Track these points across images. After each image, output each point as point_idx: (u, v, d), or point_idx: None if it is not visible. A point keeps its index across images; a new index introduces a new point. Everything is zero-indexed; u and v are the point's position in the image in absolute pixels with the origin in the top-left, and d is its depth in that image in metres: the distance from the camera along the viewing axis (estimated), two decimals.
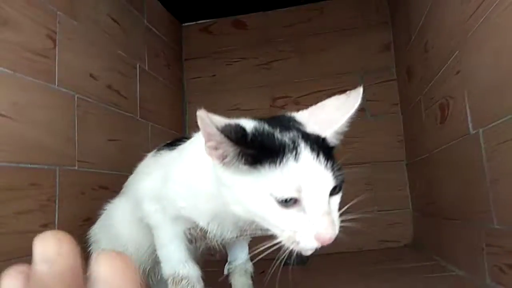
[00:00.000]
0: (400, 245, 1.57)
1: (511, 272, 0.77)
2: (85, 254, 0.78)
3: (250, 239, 0.83)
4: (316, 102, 0.62)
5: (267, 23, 1.82)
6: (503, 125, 0.75)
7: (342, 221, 0.55)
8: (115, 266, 0.24)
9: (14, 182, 0.88)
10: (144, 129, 1.47)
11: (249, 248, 0.82)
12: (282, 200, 0.52)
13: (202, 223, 0.67)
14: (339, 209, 0.56)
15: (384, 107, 1.66)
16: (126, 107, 1.36)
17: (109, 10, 1.31)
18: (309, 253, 0.53)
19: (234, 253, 0.81)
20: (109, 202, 0.91)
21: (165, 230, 0.73)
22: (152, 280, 0.90)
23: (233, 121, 0.53)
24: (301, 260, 1.36)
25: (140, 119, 1.44)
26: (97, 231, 0.90)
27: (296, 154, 0.52)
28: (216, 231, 0.67)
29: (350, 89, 0.60)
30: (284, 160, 0.52)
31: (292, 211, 0.52)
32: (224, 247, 0.79)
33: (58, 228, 0.98)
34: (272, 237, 0.55)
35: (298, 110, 0.63)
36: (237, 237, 0.69)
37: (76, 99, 1.10)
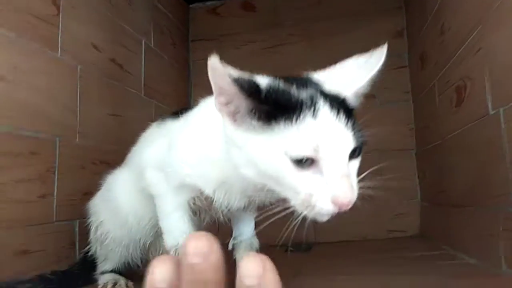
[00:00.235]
0: (406, 235, 1.53)
1: None
2: (85, 227, 0.74)
3: (256, 213, 0.80)
4: None
5: (277, 6, 1.77)
6: None
7: (360, 188, 0.51)
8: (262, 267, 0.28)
9: (14, 148, 0.84)
10: (148, 107, 1.43)
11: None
12: (297, 160, 0.48)
13: (208, 191, 0.63)
14: (358, 175, 0.52)
15: (395, 94, 1.62)
16: (130, 83, 1.32)
17: None
18: (324, 219, 0.49)
19: (239, 228, 0.78)
20: (110, 173, 0.87)
21: (168, 199, 0.69)
22: (152, 255, 0.87)
23: (247, 74, 0.49)
24: (305, 247, 1.34)
25: (144, 96, 1.41)
26: (97, 202, 0.86)
27: (314, 111, 0.49)
28: (223, 200, 0.63)
29: None
30: (301, 116, 0.48)
31: (308, 173, 0.48)
32: (229, 220, 0.75)
33: (57, 201, 0.95)
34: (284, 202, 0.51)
35: None
36: (244, 207, 0.66)
37: (78, 69, 1.06)
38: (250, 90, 0.48)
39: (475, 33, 0.93)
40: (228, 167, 0.57)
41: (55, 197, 0.95)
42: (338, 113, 0.49)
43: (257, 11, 1.80)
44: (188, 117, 0.71)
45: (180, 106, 1.68)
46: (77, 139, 1.04)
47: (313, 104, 0.49)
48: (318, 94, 0.51)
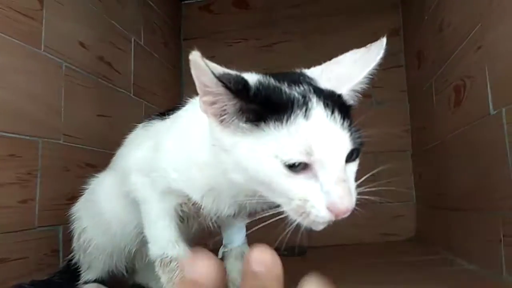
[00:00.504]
0: (402, 238, 1.50)
1: None
2: (68, 233, 0.69)
3: (248, 221, 0.76)
4: None
5: (271, 3, 1.74)
6: None
7: (359, 194, 0.47)
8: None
9: None
10: (137, 108, 1.39)
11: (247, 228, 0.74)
12: (289, 164, 0.44)
13: (195, 197, 0.59)
14: (356, 179, 0.48)
15: (390, 94, 1.59)
16: (119, 83, 1.27)
17: None
18: (320, 227, 0.45)
19: (230, 235, 0.73)
20: (94, 176, 0.83)
21: (154, 205, 0.65)
22: (138, 264, 0.82)
23: (234, 72, 0.45)
24: (299, 251, 1.31)
25: (133, 96, 1.36)
26: (80, 208, 0.82)
27: (306, 110, 0.44)
28: (211, 206, 0.59)
29: None
30: (292, 117, 0.44)
31: (301, 178, 0.44)
32: (219, 227, 0.71)
33: (39, 206, 0.90)
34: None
35: None
36: (234, 215, 0.62)
37: (63, 67, 1.02)
38: (237, 88, 0.44)
39: (474, 31, 0.90)
40: (216, 172, 0.53)
41: (37, 201, 0.90)
42: (332, 112, 0.45)
43: (250, 8, 1.76)
44: (175, 118, 0.67)
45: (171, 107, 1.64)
46: (61, 141, 0.99)
47: (305, 102, 0.45)
48: (311, 92, 0.47)
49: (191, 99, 0.66)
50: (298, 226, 0.46)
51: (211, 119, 0.48)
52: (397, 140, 1.56)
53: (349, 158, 0.46)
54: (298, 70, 0.55)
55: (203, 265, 0.28)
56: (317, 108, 0.45)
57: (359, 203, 0.47)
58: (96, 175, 0.83)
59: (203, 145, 0.54)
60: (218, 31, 1.75)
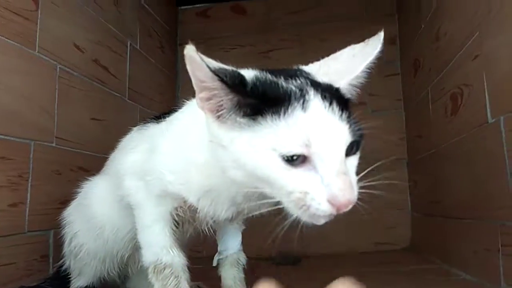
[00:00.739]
0: (397, 248, 1.49)
1: None
2: (59, 239, 0.67)
3: (244, 227, 0.74)
4: None
5: (268, 10, 1.74)
6: None
7: (361, 187, 0.46)
8: None
9: None
10: (132, 112, 1.37)
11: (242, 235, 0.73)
12: (288, 157, 0.43)
13: (192, 199, 0.58)
14: (357, 173, 0.47)
15: (386, 102, 1.59)
16: (114, 86, 1.26)
17: None
18: (321, 221, 0.44)
19: (225, 242, 0.72)
20: (87, 179, 0.81)
21: (148, 210, 0.63)
22: (131, 270, 0.80)
23: (230, 67, 0.45)
24: (294, 260, 1.29)
25: (128, 100, 1.35)
26: (71, 212, 0.80)
27: (304, 103, 0.44)
28: (208, 209, 0.58)
29: None
30: (290, 109, 0.44)
31: (300, 171, 0.43)
32: (214, 232, 0.69)
33: (30, 210, 0.88)
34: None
35: None
36: (231, 219, 0.60)
37: (58, 69, 1.00)
38: (234, 82, 0.43)
39: (471, 40, 0.90)
40: (214, 172, 0.52)
41: (27, 205, 0.88)
42: (330, 104, 0.44)
43: (247, 15, 1.76)
44: (171, 120, 0.65)
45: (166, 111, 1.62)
46: (54, 143, 0.97)
47: (302, 95, 0.44)
48: (309, 85, 0.46)
49: (187, 101, 0.65)
50: (294, 226, 0.45)
51: (208, 115, 0.47)
52: (392, 148, 1.56)
53: (350, 152, 0.46)
54: (295, 67, 0.54)
55: None
56: (315, 100, 0.44)
57: (361, 197, 0.46)
58: (89, 178, 0.81)
59: (201, 146, 0.53)
60: (214, 37, 1.75)
